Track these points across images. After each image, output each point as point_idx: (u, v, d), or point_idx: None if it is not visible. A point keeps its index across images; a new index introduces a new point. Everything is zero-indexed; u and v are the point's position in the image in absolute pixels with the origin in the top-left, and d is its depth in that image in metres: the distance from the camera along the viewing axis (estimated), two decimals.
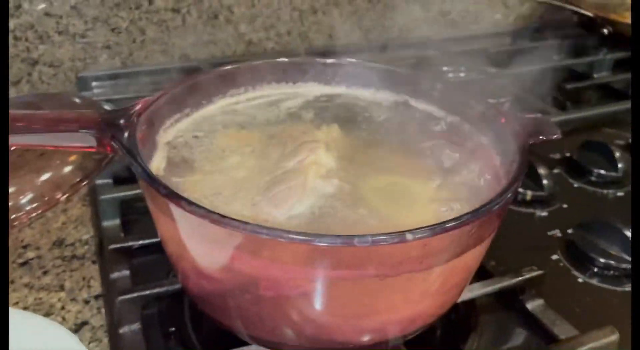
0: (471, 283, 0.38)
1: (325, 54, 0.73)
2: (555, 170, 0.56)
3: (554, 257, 0.45)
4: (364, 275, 0.25)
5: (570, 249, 0.45)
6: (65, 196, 0.47)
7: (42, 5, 0.63)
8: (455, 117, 0.38)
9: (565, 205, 0.51)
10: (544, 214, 0.50)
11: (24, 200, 0.46)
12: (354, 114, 0.40)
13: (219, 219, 0.24)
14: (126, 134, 0.30)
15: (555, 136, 0.33)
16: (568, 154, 0.58)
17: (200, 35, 0.72)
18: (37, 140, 0.30)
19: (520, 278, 0.38)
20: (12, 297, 0.40)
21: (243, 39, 0.74)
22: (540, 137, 0.32)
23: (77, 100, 0.56)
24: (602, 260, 0.43)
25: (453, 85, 0.41)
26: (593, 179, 0.54)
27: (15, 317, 0.35)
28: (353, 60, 0.42)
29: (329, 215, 0.29)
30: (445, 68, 0.74)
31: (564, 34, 0.83)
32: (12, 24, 0.63)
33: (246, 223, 0.23)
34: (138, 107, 0.33)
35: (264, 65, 0.41)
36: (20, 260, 0.43)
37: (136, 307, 0.35)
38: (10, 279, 0.41)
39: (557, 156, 0.58)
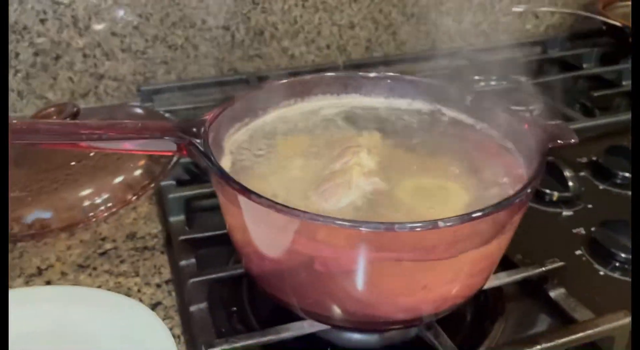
0: (498, 272, 0.42)
1: (362, 65, 0.80)
2: (582, 173, 0.59)
3: (578, 252, 0.49)
4: (402, 257, 0.30)
5: (593, 244, 0.49)
6: (136, 197, 0.54)
7: (108, 26, 0.71)
8: (484, 124, 0.43)
9: (590, 206, 0.55)
10: (570, 213, 0.54)
11: (100, 199, 0.53)
12: (392, 122, 0.45)
13: (284, 209, 0.29)
14: (200, 141, 0.35)
15: (573, 141, 0.37)
16: (594, 158, 0.61)
17: (247, 50, 0.78)
18: (126, 146, 0.36)
19: (543, 268, 0.42)
20: (96, 281, 0.46)
21: (286, 53, 0.80)
22: (559, 141, 0.36)
23: (140, 111, 0.63)
24: (623, 255, 0.47)
25: (481, 95, 0.45)
26: (617, 181, 0.58)
27: (103, 296, 0.42)
28: (390, 73, 0.47)
29: (370, 208, 0.34)
30: (477, 77, 0.78)
31: (593, 42, 0.86)
32: (81, 42, 0.71)
33: (306, 212, 0.29)
34: (208, 117, 0.38)
35: (312, 79, 0.46)
36: (100, 251, 0.49)
37: (203, 289, 0.41)
38: (93, 266, 0.47)
39: (584, 160, 0.62)
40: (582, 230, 0.51)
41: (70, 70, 0.72)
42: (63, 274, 0.47)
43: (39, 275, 0.46)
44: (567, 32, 0.92)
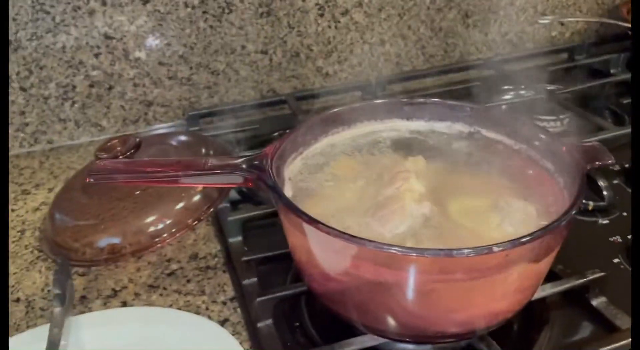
0: (542, 284, 0.45)
1: (392, 80, 0.83)
2: (615, 181, 0.62)
3: (616, 260, 0.51)
4: (459, 278, 0.33)
5: (629, 251, 0.51)
6: (196, 222, 0.58)
7: (156, 56, 0.75)
8: (522, 145, 0.46)
9: (625, 213, 0.57)
10: (606, 222, 0.56)
11: (163, 225, 0.57)
12: (433, 145, 0.49)
13: (351, 238, 0.33)
14: (265, 174, 0.39)
15: (610, 162, 0.39)
16: (626, 165, 0.63)
17: (284, 71, 0.82)
18: (202, 181, 0.40)
19: (585, 279, 0.45)
20: (167, 300, 0.50)
21: (321, 72, 0.84)
22: (597, 163, 0.39)
23: (192, 138, 0.67)
24: None
25: (518, 117, 0.48)
26: None
27: (176, 315, 0.46)
28: (430, 99, 0.50)
29: (427, 232, 0.38)
30: (505, 87, 0.80)
31: (619, 47, 0.88)
32: (132, 73, 0.76)
33: (372, 241, 0.32)
34: (269, 151, 0.42)
35: (358, 107, 0.50)
36: (167, 272, 0.54)
37: (269, 307, 0.45)
38: (163, 286, 0.52)
39: (617, 168, 0.64)
40: (618, 238, 0.54)
41: (122, 99, 0.77)
42: (136, 294, 0.51)
43: (115, 297, 0.51)
44: (593, 38, 0.94)
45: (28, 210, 0.64)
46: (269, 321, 0.45)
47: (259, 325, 0.44)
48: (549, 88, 0.77)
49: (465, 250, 0.31)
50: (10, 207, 0.64)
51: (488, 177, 0.44)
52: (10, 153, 0.75)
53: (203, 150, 0.64)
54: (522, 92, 0.80)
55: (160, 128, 0.80)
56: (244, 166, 0.40)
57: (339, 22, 0.81)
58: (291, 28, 0.79)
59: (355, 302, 0.38)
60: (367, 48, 0.85)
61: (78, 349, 0.43)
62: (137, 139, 0.57)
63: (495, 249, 0.31)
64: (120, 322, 0.46)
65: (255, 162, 0.40)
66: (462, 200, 0.41)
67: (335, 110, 0.49)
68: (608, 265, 0.50)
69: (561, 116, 0.73)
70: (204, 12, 0.75)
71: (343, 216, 0.40)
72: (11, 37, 0.69)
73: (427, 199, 0.40)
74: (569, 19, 0.89)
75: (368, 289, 0.36)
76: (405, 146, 0.49)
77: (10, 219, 0.62)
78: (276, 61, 0.81)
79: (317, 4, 0.79)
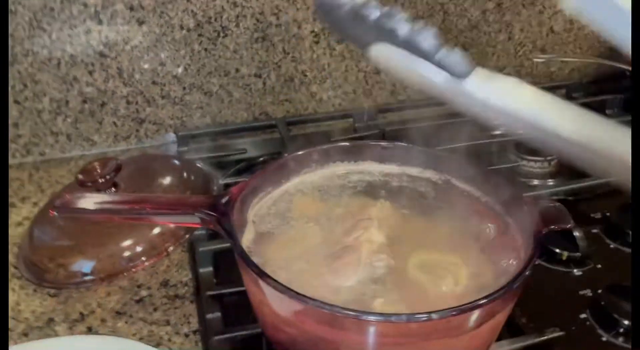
0: (501, 340, 0.45)
1: (386, 110, 0.83)
2: (594, 230, 0.61)
3: (582, 315, 0.51)
4: (399, 342, 0.33)
5: (598, 308, 0.51)
6: (172, 247, 0.58)
7: (150, 76, 0.76)
8: (488, 198, 0.46)
9: (599, 266, 0.57)
10: (579, 273, 0.56)
11: (138, 249, 0.57)
12: (402, 190, 0.49)
13: (291, 293, 0.33)
14: (225, 218, 0.40)
15: (569, 226, 0.39)
16: (607, 214, 0.63)
17: (277, 95, 0.83)
18: (164, 220, 0.41)
19: (543, 338, 0.45)
20: (132, 329, 0.51)
21: (314, 97, 0.84)
22: (553, 226, 0.39)
23: (177, 162, 0.68)
24: (626, 322, 0.49)
25: (488, 169, 0.48)
26: (628, 239, 0.59)
27: (138, 348, 0.46)
28: (403, 144, 0.50)
29: (377, 287, 0.38)
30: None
31: (617, 88, 0.87)
32: (125, 91, 0.77)
33: (314, 300, 0.33)
34: (234, 192, 0.43)
35: (332, 148, 0.50)
36: (136, 298, 0.54)
37: (227, 345, 0.45)
38: (129, 314, 0.52)
39: (598, 216, 0.63)
40: (588, 292, 0.53)
41: (114, 115, 0.78)
42: (102, 320, 0.52)
43: (82, 321, 0.52)
44: (592, 76, 0.93)
45: (11, 224, 0.65)
46: None
47: None
48: None
49: (404, 316, 0.31)
50: None
51: (452, 228, 0.44)
52: None
53: (185, 175, 0.65)
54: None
55: (152, 145, 0.81)
56: (204, 208, 0.40)
57: (335, 49, 0.82)
58: (286, 53, 0.80)
59: None
60: (361, 76, 0.85)
61: None
62: (117, 162, 0.58)
63: (434, 316, 0.31)
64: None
65: (217, 204, 0.41)
66: (421, 253, 0.41)
67: (308, 150, 0.49)
68: (574, 320, 0.50)
69: (549, 157, 0.73)
70: (199, 35, 0.76)
71: (300, 264, 0.40)
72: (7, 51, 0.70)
73: (385, 251, 0.41)
74: (566, 59, 0.88)
75: (313, 344, 0.36)
76: (373, 189, 0.49)
77: None
78: (270, 85, 0.82)
79: (312, 32, 0.79)
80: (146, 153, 0.77)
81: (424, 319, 0.31)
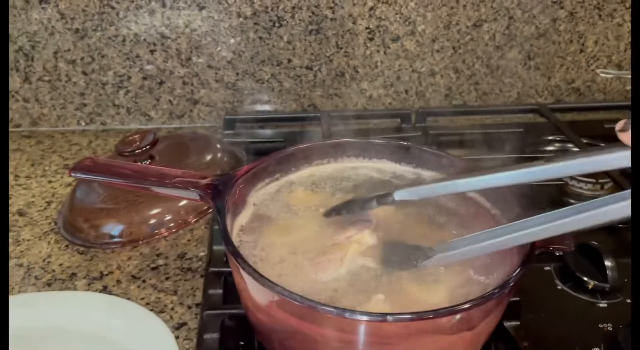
0: None
1: (438, 113, 0.81)
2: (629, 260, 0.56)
3: (595, 349, 0.47)
4: (354, 340, 0.33)
5: (613, 345, 0.47)
6: (195, 219, 0.61)
7: (206, 59, 0.80)
8: (497, 211, 0.44)
9: (629, 300, 0.52)
10: (604, 305, 0.52)
11: (164, 219, 0.60)
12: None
13: (259, 278, 0.33)
14: (220, 198, 0.41)
15: (567, 248, 0.37)
16: None
17: (327, 89, 0.83)
18: (167, 192, 0.43)
19: None
20: (142, 293, 0.54)
21: (364, 94, 0.84)
22: (551, 247, 0.37)
23: (215, 143, 0.70)
24: None
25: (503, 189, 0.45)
26: None
27: (141, 312, 0.49)
28: (419, 146, 0.49)
29: (351, 288, 0.37)
30: (551, 137, 0.76)
31: None
32: (182, 72, 0.80)
33: (276, 285, 0.33)
34: (238, 173, 0.44)
35: (346, 143, 0.50)
36: (153, 265, 0.57)
37: (217, 321, 0.47)
38: (143, 279, 0.55)
39: None
40: (609, 327, 0.49)
41: (171, 94, 0.82)
42: (118, 281, 0.55)
43: (100, 279, 0.55)
44: None
45: (62, 184, 0.71)
46: (216, 335, 0.46)
47: (205, 336, 0.46)
48: (596, 145, 0.71)
49: (359, 315, 0.31)
50: (48, 179, 0.72)
51: (450, 237, 0.42)
52: (68, 128, 0.83)
53: (218, 156, 0.67)
54: (569, 145, 0.75)
55: (203, 126, 0.84)
56: (203, 186, 0.42)
57: (389, 48, 0.81)
58: (339, 48, 0.80)
59: (277, 340, 0.39)
60: (415, 76, 0.84)
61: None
62: (155, 136, 0.61)
63: (389, 318, 0.31)
64: (80, 304, 0.50)
65: (215, 183, 0.42)
66: None
67: (321, 142, 0.50)
68: None
69: (601, 180, 0.68)
70: (255, 24, 0.78)
71: (286, 252, 0.41)
72: (79, 26, 0.76)
73: (372, 254, 0.40)
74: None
75: (286, 332, 0.36)
76: (381, 188, 0.48)
77: (44, 189, 0.69)
78: (320, 78, 0.82)
79: (367, 28, 0.79)
80: (192, 131, 0.81)
81: (378, 319, 0.31)
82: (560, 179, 0.69)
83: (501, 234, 0.35)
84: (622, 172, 0.70)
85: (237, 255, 0.35)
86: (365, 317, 0.31)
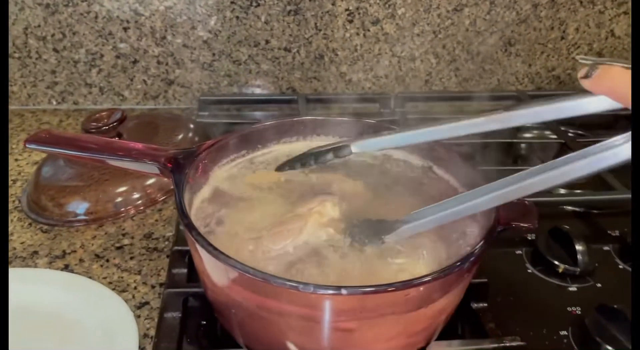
0: (461, 339, 0.42)
1: (417, 99, 0.80)
2: (606, 247, 0.56)
3: (563, 332, 0.47)
4: (310, 315, 0.32)
5: (581, 328, 0.46)
6: (163, 198, 0.60)
7: (181, 39, 0.78)
8: (464, 189, 0.43)
9: (599, 284, 0.52)
10: (573, 289, 0.51)
11: (131, 197, 0.59)
12: (380, 171, 0.47)
13: (213, 251, 0.32)
14: (179, 173, 0.39)
15: (530, 226, 0.36)
16: (625, 230, 0.57)
17: (306, 72, 0.82)
18: (125, 165, 0.41)
19: (499, 344, 0.41)
20: (104, 272, 0.52)
21: (344, 78, 0.83)
22: (514, 223, 0.36)
23: (187, 123, 0.69)
24: (608, 347, 0.44)
25: (467, 159, 0.44)
26: None
27: (101, 290, 0.48)
28: (392, 127, 0.48)
29: (311, 259, 0.36)
30: (530, 125, 0.75)
31: None
32: (157, 51, 0.79)
33: (229, 258, 0.32)
34: (201, 148, 0.43)
35: (318, 121, 0.49)
36: (118, 245, 0.56)
37: (179, 299, 0.46)
38: (106, 258, 0.54)
39: (616, 233, 0.58)
40: (578, 310, 0.49)
41: (145, 74, 0.80)
42: (81, 260, 0.53)
43: (62, 258, 0.54)
44: None
45: (29, 162, 0.69)
46: (177, 314, 0.45)
47: (166, 315, 0.45)
48: (570, 134, 0.71)
49: (313, 287, 0.30)
50: (15, 157, 0.70)
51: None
52: (38, 107, 0.81)
53: (189, 136, 0.66)
54: (546, 132, 0.75)
55: (179, 107, 0.83)
56: (162, 159, 0.41)
57: (369, 30, 0.79)
58: (318, 30, 0.79)
59: (234, 319, 0.38)
60: (395, 61, 0.82)
61: None
62: (123, 113, 0.60)
63: (343, 291, 0.30)
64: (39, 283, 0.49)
65: (175, 158, 0.41)
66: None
67: (294, 119, 0.48)
68: (550, 336, 0.46)
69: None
70: (232, 2, 0.76)
71: (244, 225, 0.40)
72: (50, 1, 0.74)
73: (334, 226, 0.39)
74: (613, 63, 0.81)
75: (242, 309, 0.35)
76: (353, 166, 0.47)
77: (10, 167, 0.68)
78: (299, 60, 0.81)
79: (347, 10, 0.78)
80: (165, 112, 0.79)
81: (331, 292, 0.30)
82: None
83: (464, 201, 0.34)
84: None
85: (191, 228, 0.34)
86: (319, 291, 0.30)
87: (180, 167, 0.40)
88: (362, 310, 0.31)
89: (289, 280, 0.30)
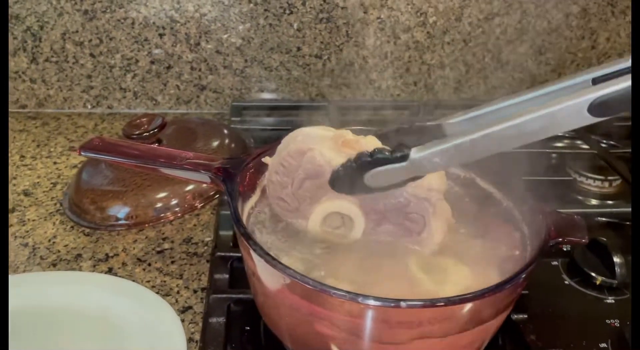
0: None
1: (446, 106, 0.80)
2: None
3: (602, 345, 0.47)
4: (362, 326, 0.32)
5: (620, 341, 0.47)
6: (201, 205, 0.61)
7: (214, 45, 0.79)
8: (510, 203, 0.43)
9: None
10: (611, 301, 0.52)
11: (170, 203, 0.60)
12: None
13: (272, 261, 0.33)
14: (230, 182, 0.40)
15: (582, 241, 0.36)
16: None
17: (336, 78, 0.83)
18: (176, 174, 0.43)
19: None
20: (147, 276, 0.53)
21: (373, 84, 0.84)
22: (565, 239, 0.36)
23: (222, 129, 0.70)
24: None
25: (513, 169, 0.45)
26: None
27: (147, 294, 0.49)
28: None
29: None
30: (560, 134, 0.75)
31: None
32: (190, 57, 0.80)
33: (279, 264, 0.33)
34: (249, 157, 0.43)
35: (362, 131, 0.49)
36: (158, 249, 0.57)
37: (224, 305, 0.47)
38: (148, 262, 0.55)
39: None
40: (616, 323, 0.49)
41: (178, 79, 0.82)
42: (123, 264, 0.55)
43: (105, 262, 0.55)
44: None
45: (68, 165, 0.70)
46: (222, 319, 0.46)
47: (211, 320, 0.46)
48: (603, 144, 0.71)
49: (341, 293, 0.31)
50: (53, 160, 0.71)
51: (464, 228, 0.42)
52: (74, 111, 0.83)
53: (226, 142, 0.67)
54: (578, 142, 0.75)
55: (210, 112, 0.84)
56: (214, 168, 0.41)
57: (399, 38, 0.80)
58: (349, 37, 0.80)
59: (284, 324, 0.39)
60: (425, 68, 0.83)
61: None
62: (163, 119, 0.61)
63: (403, 304, 0.30)
64: (89, 284, 0.50)
65: (226, 167, 0.42)
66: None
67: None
68: (591, 349, 0.46)
69: (610, 177, 0.68)
70: (265, 10, 0.77)
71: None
72: (88, 7, 0.75)
73: None
74: None
75: (294, 317, 0.36)
76: None
77: (49, 170, 0.69)
78: (329, 67, 0.82)
79: (378, 18, 0.78)
80: (198, 117, 0.80)
81: (391, 305, 0.30)
82: (569, 175, 0.68)
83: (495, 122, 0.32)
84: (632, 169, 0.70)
85: (247, 237, 0.35)
86: (377, 303, 0.31)
87: (231, 176, 0.41)
88: (419, 324, 0.32)
89: (348, 292, 0.31)
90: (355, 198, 0.39)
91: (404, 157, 0.35)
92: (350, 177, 0.37)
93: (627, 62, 0.31)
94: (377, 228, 0.39)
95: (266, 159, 0.41)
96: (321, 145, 0.38)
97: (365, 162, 0.36)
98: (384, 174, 0.36)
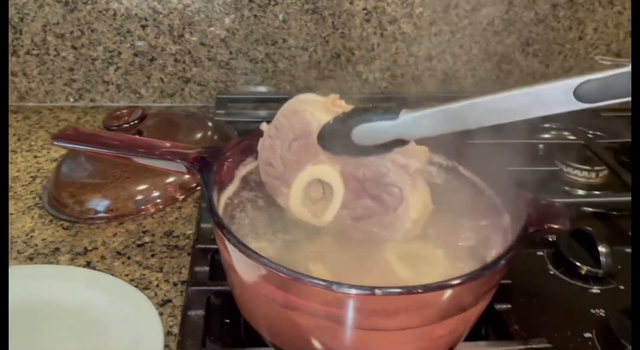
0: (485, 340, 0.42)
1: (434, 98, 0.80)
2: (627, 249, 0.56)
3: (587, 334, 0.46)
4: (341, 315, 0.32)
5: (606, 331, 0.46)
6: (182, 197, 0.60)
7: (198, 37, 0.78)
8: (492, 191, 0.43)
9: (622, 287, 0.51)
10: (596, 291, 0.51)
11: (151, 195, 0.59)
12: None
13: (246, 250, 0.32)
14: (207, 172, 0.39)
15: (562, 228, 0.36)
16: None
17: (322, 71, 0.82)
18: (152, 163, 0.42)
19: (526, 346, 0.41)
20: (126, 270, 0.52)
21: (360, 77, 0.83)
22: (546, 226, 0.36)
23: (206, 121, 0.69)
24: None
25: (499, 159, 0.44)
26: None
27: (125, 288, 0.48)
28: None
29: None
30: (547, 125, 0.75)
31: None
32: (174, 49, 0.79)
33: (249, 250, 0.32)
34: (226, 147, 0.43)
35: None
36: (139, 242, 0.56)
37: (203, 297, 0.46)
38: (128, 255, 0.54)
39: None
40: (601, 312, 0.49)
41: (162, 72, 0.80)
42: (102, 257, 0.54)
43: (84, 255, 0.54)
44: None
45: (48, 159, 0.69)
46: (201, 312, 0.45)
47: (189, 313, 0.45)
48: (590, 135, 0.70)
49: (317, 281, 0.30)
50: (34, 154, 0.70)
51: (445, 217, 0.42)
52: (56, 104, 0.82)
53: (209, 134, 0.66)
54: (565, 133, 0.74)
55: (195, 106, 0.83)
56: (190, 157, 0.41)
57: (386, 29, 0.79)
58: (335, 29, 0.79)
59: (259, 315, 0.38)
60: (412, 60, 0.82)
61: None
62: (143, 111, 0.60)
63: (377, 291, 0.30)
64: (66, 279, 0.49)
65: (203, 156, 0.41)
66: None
67: None
68: (575, 338, 0.46)
69: (597, 168, 0.67)
70: (250, 1, 0.76)
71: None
72: None
73: None
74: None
75: (270, 308, 0.35)
76: None
77: (29, 164, 0.68)
78: (315, 59, 0.81)
79: (364, 9, 0.78)
80: (182, 110, 0.79)
81: (366, 293, 0.30)
82: (556, 166, 0.68)
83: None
84: (618, 159, 0.69)
85: (222, 226, 0.34)
86: (353, 291, 0.30)
87: (208, 165, 0.40)
88: (395, 312, 0.31)
89: (323, 280, 0.30)
90: (337, 163, 0.38)
91: (394, 116, 0.35)
92: (339, 132, 0.37)
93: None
94: (356, 201, 0.39)
95: (263, 126, 0.41)
96: (313, 106, 0.38)
97: (357, 112, 0.37)
98: (372, 129, 0.36)
